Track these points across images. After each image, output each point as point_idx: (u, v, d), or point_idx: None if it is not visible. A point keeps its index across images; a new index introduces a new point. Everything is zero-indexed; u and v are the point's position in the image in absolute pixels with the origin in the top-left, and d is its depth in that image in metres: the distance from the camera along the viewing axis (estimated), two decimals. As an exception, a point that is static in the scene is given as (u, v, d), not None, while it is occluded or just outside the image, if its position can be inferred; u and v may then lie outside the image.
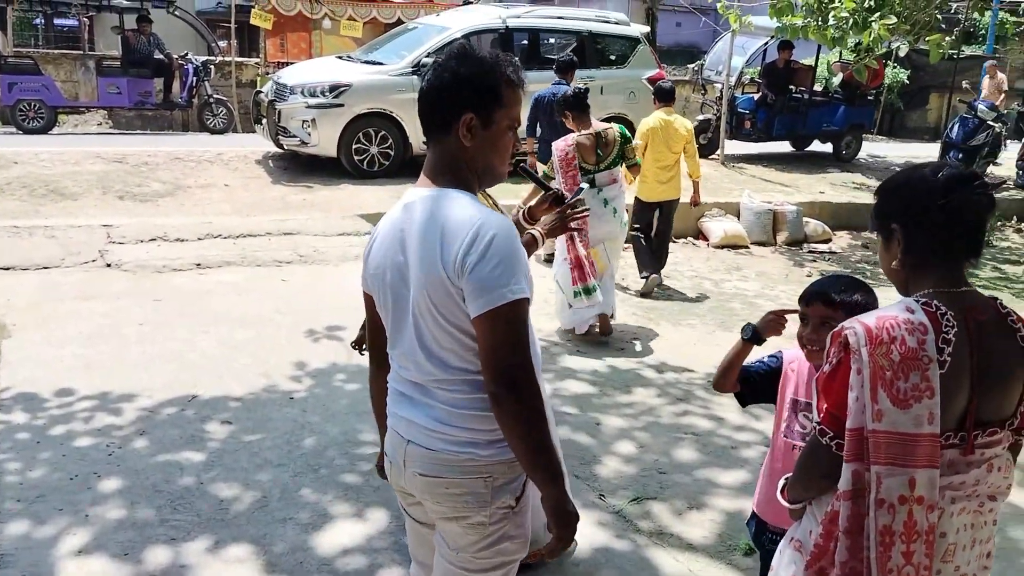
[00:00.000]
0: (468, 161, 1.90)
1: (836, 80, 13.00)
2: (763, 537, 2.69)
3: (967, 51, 18.20)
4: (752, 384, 2.60)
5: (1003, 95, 14.22)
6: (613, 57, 11.32)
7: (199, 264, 7.03)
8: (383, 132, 9.86)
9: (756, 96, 12.49)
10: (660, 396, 5.08)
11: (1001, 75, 14.42)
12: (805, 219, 9.86)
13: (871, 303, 2.37)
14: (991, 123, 11.56)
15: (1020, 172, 12.36)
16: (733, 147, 12.30)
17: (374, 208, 8.60)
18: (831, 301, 2.34)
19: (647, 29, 12.46)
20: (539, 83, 8.01)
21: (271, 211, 8.60)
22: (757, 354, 2.62)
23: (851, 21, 8.68)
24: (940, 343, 1.63)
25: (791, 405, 2.51)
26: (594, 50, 11.02)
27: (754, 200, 9.79)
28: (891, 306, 1.72)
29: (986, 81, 14.77)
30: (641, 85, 10.70)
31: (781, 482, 1.97)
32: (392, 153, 9.94)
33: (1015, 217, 11.14)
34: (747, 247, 9.31)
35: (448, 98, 1.86)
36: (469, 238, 1.75)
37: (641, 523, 3.69)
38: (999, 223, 10.89)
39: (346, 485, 3.85)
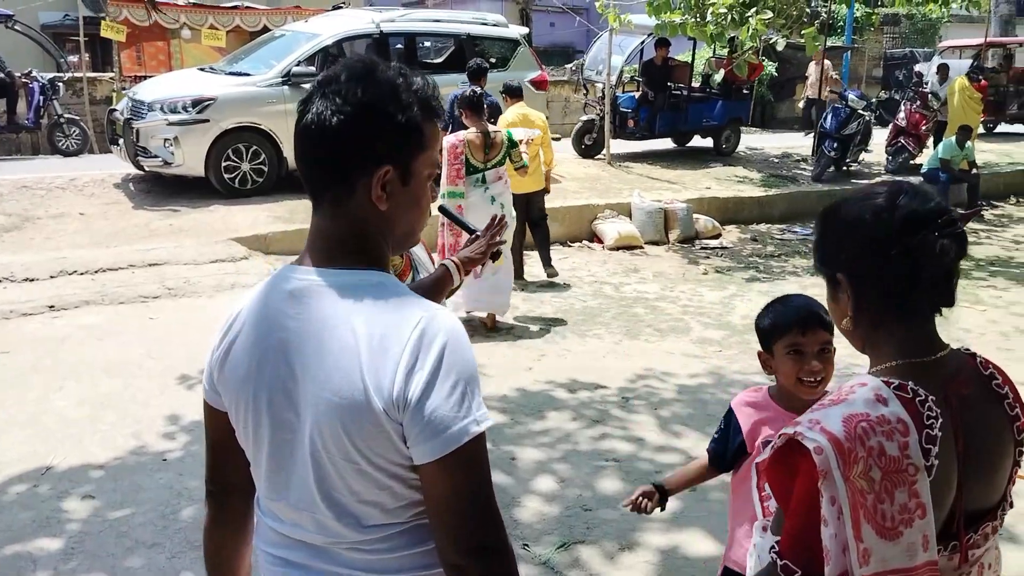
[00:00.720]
0: (382, 228, 1.35)
1: (718, 76, 13.13)
2: None
3: (828, 42, 18.90)
4: (725, 461, 2.29)
5: (831, 81, 14.82)
6: (493, 60, 11.01)
7: (53, 306, 6.28)
8: (255, 147, 9.21)
9: (637, 94, 12.46)
10: (575, 419, 4.78)
11: (828, 62, 15.03)
12: (695, 216, 9.84)
13: None
14: (861, 112, 11.90)
15: (889, 158, 12.82)
16: (618, 146, 12.23)
17: (249, 230, 8.00)
18: (828, 323, 2.02)
19: (526, 30, 12.23)
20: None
21: (134, 240, 7.84)
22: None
23: (729, 17, 8.67)
24: (925, 442, 1.27)
25: (764, 447, 2.20)
26: (473, 53, 10.66)
27: (645, 200, 9.69)
28: (856, 397, 1.31)
29: (812, 68, 15.39)
30: (524, 88, 10.41)
31: None
32: (266, 169, 9.30)
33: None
34: (641, 247, 9.20)
35: (352, 145, 1.28)
36: (410, 350, 1.22)
37: (571, 573, 3.36)
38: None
39: (235, 562, 3.35)
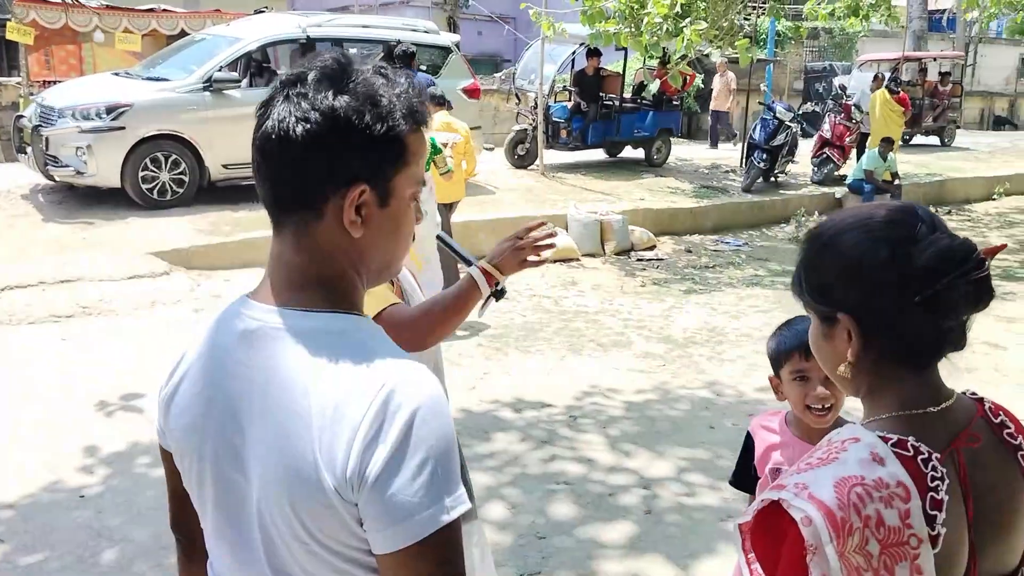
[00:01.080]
0: (355, 260, 1.14)
1: (654, 86, 13.18)
2: None
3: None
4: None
5: (732, 92, 15.07)
6: (424, 68, 10.80)
7: (-47, 327, 5.81)
8: (174, 156, 8.79)
9: (569, 104, 12.42)
10: (523, 440, 4.60)
11: (730, 74, 15.30)
12: (630, 227, 9.80)
13: None
14: (789, 124, 12.11)
15: (815, 169, 13.07)
16: (550, 156, 12.15)
17: (170, 244, 7.59)
18: None
19: (458, 38, 12.06)
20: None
21: (44, 255, 7.35)
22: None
23: (664, 27, 8.67)
24: (929, 508, 1.09)
25: (771, 475, 2.07)
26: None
27: (581, 211, 9.61)
28: (848, 456, 1.13)
29: (717, 79, 15.71)
30: (456, 96, 10.23)
31: None
32: (186, 179, 8.88)
33: (816, 212, 11.67)
34: (578, 259, 9.09)
35: (321, 159, 1.07)
36: (371, 419, 1.01)
37: (530, 608, 3.18)
38: (802, 218, 11.37)
39: (163, 611, 3.07)
